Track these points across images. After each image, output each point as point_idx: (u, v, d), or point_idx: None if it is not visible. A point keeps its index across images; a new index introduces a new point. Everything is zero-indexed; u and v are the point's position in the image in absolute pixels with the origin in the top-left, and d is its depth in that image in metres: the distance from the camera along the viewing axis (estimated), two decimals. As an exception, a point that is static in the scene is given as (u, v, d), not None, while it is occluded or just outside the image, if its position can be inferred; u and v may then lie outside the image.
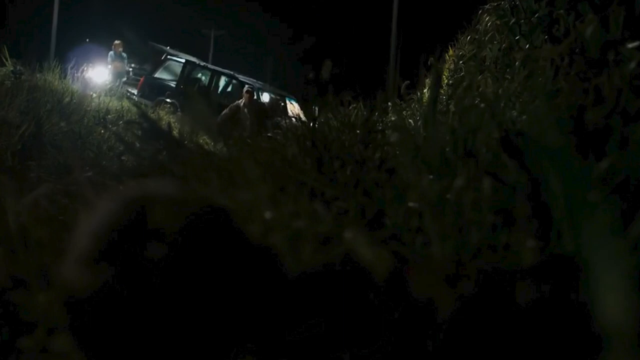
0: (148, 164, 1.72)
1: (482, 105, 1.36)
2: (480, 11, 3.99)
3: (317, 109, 2.01)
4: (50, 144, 4.78)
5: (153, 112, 10.33)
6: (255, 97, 10.43)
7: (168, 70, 15.35)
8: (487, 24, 3.62)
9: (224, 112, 9.66)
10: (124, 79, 14.08)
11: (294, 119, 2.60)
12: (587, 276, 0.66)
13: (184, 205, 0.71)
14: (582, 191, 0.79)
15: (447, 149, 1.19)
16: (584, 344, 0.65)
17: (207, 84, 14.41)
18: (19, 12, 32.93)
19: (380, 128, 1.83)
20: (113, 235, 0.67)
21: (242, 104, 9.69)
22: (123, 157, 2.93)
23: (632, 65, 1.28)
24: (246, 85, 10.12)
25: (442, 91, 3.63)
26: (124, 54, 15.00)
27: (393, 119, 2.27)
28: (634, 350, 0.58)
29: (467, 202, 0.92)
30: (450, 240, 0.86)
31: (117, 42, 14.90)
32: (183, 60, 15.14)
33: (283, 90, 14.98)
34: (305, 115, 2.09)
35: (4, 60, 8.79)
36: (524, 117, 1.46)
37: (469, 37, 4.22)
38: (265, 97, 13.00)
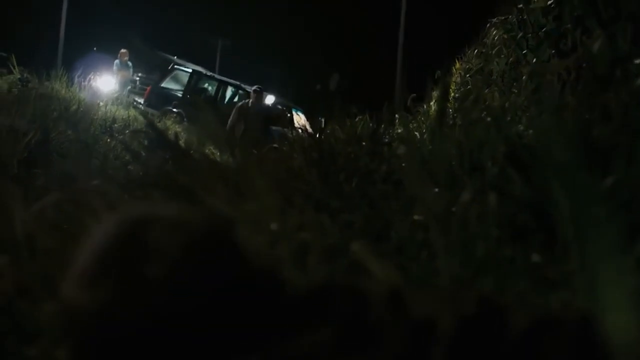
0: (154, 173, 1.72)
1: (489, 119, 1.36)
2: (487, 25, 4.00)
3: (323, 120, 2.02)
4: (56, 152, 4.79)
5: (160, 122, 10.36)
6: (262, 99, 10.40)
7: (175, 79, 15.40)
8: (494, 38, 3.62)
9: (231, 115, 9.58)
10: (129, 88, 14.12)
11: (300, 130, 2.61)
12: (593, 292, 0.66)
13: (187, 223, 0.71)
14: (589, 207, 0.79)
15: (454, 162, 1.19)
16: (590, 361, 0.64)
17: (213, 93, 14.46)
18: (26, 20, 33.19)
19: (386, 140, 1.83)
20: (114, 253, 0.67)
21: (249, 103, 9.61)
22: (129, 167, 2.94)
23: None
24: (255, 85, 10.11)
25: (449, 104, 3.62)
26: (130, 63, 14.99)
27: (400, 131, 2.27)
28: (640, 368, 0.57)
29: (473, 215, 0.92)
30: (456, 254, 0.86)
31: (123, 50, 14.90)
32: (190, 70, 15.20)
33: (290, 101, 15.01)
34: (311, 127, 2.09)
35: (12, 68, 8.85)
36: (531, 131, 1.46)
37: (476, 51, 4.23)
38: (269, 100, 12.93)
